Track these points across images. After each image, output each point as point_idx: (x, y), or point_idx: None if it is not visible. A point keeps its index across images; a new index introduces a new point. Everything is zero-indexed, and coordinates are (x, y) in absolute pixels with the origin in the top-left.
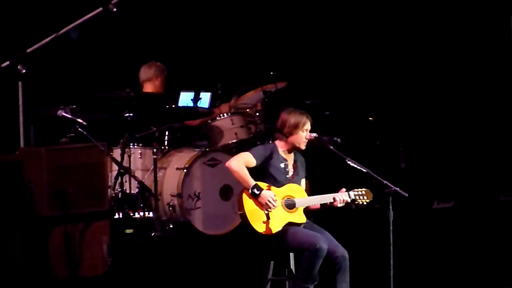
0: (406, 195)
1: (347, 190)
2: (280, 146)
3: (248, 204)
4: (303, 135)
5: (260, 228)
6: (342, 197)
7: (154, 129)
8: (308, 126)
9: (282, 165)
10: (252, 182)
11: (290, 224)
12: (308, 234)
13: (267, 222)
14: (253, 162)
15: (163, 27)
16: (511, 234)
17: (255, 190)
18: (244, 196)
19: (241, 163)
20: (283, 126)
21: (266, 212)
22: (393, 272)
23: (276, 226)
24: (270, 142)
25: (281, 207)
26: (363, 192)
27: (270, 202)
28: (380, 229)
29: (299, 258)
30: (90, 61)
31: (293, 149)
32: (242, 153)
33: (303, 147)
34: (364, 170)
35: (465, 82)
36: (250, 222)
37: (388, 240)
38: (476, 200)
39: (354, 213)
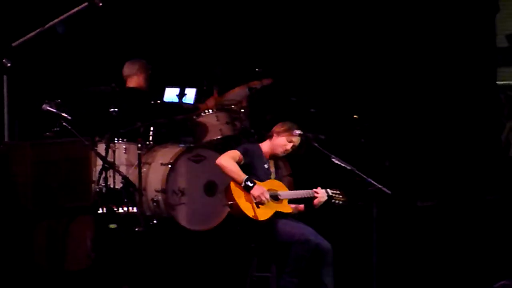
0: (390, 192)
1: (323, 188)
2: (264, 148)
3: (237, 194)
4: (286, 144)
5: (250, 214)
6: (321, 192)
7: (139, 124)
8: (295, 142)
9: (265, 165)
10: (244, 175)
11: (277, 213)
12: (297, 226)
13: (256, 211)
14: (240, 159)
15: (150, 22)
16: (495, 232)
17: (249, 183)
18: (233, 186)
19: (230, 159)
20: (276, 125)
21: (255, 200)
22: (376, 268)
23: (265, 215)
24: (255, 143)
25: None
26: (339, 192)
27: (263, 194)
28: (364, 226)
29: (285, 254)
30: (76, 56)
31: (272, 152)
32: (229, 151)
33: (280, 153)
34: (349, 168)
35: (450, 81)
36: (242, 209)
37: (371, 238)
38: (460, 198)
39: (339, 210)
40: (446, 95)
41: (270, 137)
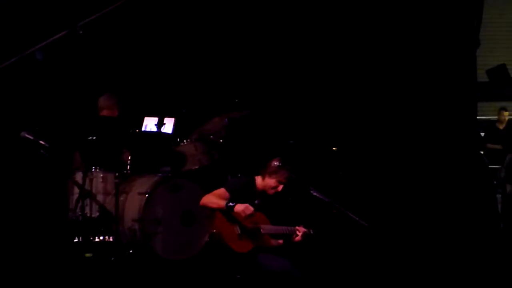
0: (367, 225)
1: (305, 227)
2: (258, 182)
3: (222, 224)
4: (277, 186)
5: (232, 245)
6: (303, 231)
7: (118, 153)
8: (283, 181)
9: (256, 201)
10: (224, 201)
11: (258, 247)
12: (275, 259)
13: (237, 243)
14: (227, 197)
15: (130, 52)
16: None
17: (230, 204)
18: (218, 215)
19: (212, 196)
20: (268, 166)
21: (238, 232)
22: None
23: (245, 248)
24: (248, 176)
25: (249, 230)
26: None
27: (247, 208)
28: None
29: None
30: (54, 83)
31: (263, 190)
32: (215, 190)
33: (270, 193)
34: (327, 200)
35: (431, 116)
36: (225, 239)
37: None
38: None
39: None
40: (426, 130)
41: (262, 173)
